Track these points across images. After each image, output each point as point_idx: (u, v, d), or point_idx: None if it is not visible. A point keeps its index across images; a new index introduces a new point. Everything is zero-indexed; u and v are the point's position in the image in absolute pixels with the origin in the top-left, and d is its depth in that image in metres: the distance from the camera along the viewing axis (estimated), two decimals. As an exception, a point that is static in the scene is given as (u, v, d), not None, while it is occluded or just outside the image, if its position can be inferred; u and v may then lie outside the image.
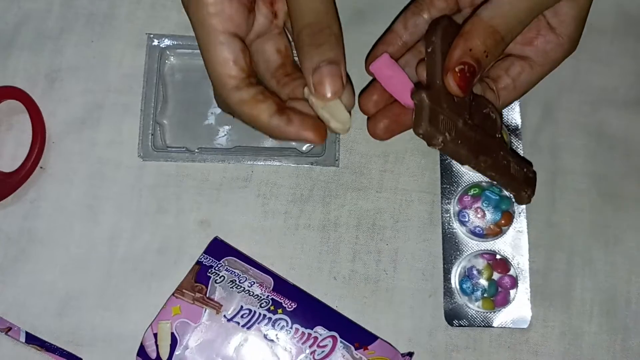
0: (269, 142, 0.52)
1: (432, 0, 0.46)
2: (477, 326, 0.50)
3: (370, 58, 0.48)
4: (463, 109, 0.42)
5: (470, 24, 0.41)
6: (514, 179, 0.45)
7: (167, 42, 0.52)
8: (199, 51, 0.52)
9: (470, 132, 0.42)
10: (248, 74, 0.41)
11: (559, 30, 0.44)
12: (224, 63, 0.40)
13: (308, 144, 0.52)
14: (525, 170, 0.46)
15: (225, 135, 0.52)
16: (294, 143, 0.52)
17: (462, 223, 0.51)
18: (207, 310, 0.46)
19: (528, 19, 0.42)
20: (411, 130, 0.51)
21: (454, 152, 0.41)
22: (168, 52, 0.53)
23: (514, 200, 0.47)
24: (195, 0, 0.40)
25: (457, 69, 0.40)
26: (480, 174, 0.45)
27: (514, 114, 0.52)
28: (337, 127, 0.41)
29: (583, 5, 0.44)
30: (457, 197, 0.51)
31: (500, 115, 0.45)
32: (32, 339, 0.48)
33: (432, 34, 0.42)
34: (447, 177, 0.52)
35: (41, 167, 0.51)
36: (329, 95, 0.39)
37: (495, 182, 0.45)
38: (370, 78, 0.49)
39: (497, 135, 0.45)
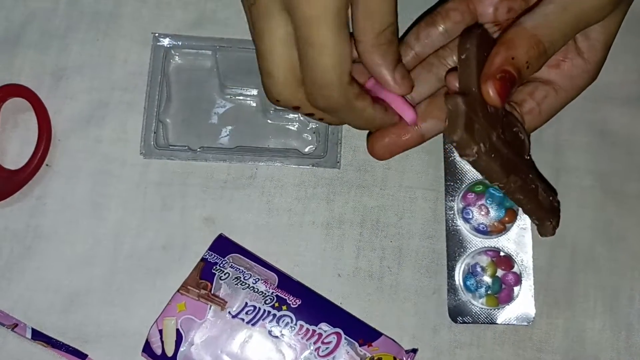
0: (271, 143, 0.52)
1: (447, 13, 0.45)
2: (481, 323, 0.50)
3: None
4: (497, 122, 0.40)
5: (513, 32, 0.39)
6: (541, 206, 0.43)
7: (172, 41, 0.52)
8: (203, 51, 0.53)
9: (503, 147, 0.39)
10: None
11: (587, 55, 0.43)
12: (346, 58, 0.38)
13: (311, 146, 0.52)
14: (551, 198, 0.44)
15: (227, 135, 0.52)
16: (295, 144, 0.52)
17: (466, 220, 0.51)
18: (212, 307, 0.47)
19: (572, 33, 0.41)
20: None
21: (487, 166, 0.38)
22: (173, 52, 0.53)
23: (537, 230, 0.44)
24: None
25: (498, 76, 0.38)
26: (507, 195, 0.42)
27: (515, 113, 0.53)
28: None
29: (612, 33, 0.43)
30: (461, 194, 0.51)
31: (528, 137, 0.43)
32: (38, 336, 0.48)
33: (466, 41, 0.40)
34: (451, 174, 0.52)
35: (47, 165, 0.51)
36: (405, 90, 0.42)
37: (521, 208, 0.43)
38: None
39: (527, 157, 0.43)
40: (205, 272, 0.48)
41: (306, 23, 0.36)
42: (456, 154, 0.51)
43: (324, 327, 0.47)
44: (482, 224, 0.50)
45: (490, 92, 0.38)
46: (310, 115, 0.42)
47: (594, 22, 0.41)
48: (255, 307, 0.47)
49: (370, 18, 0.39)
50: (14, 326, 0.48)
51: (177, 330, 0.46)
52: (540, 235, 0.45)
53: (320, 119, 0.42)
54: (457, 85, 0.40)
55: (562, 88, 0.44)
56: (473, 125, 0.37)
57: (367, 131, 0.52)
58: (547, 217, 0.43)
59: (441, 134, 0.47)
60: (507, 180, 0.39)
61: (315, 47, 0.37)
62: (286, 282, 0.48)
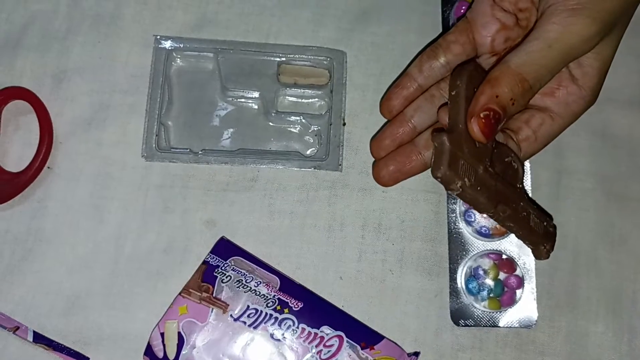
0: (272, 146, 0.52)
1: (448, 45, 0.46)
2: (483, 326, 0.50)
3: (385, 99, 0.49)
4: (485, 155, 0.41)
5: (499, 70, 0.40)
6: (533, 232, 0.44)
7: (173, 44, 0.52)
8: (204, 54, 0.53)
9: (490, 179, 0.41)
10: None
11: (581, 82, 0.44)
12: None
13: (312, 148, 0.52)
14: (545, 223, 0.45)
15: (229, 137, 0.52)
16: (297, 146, 0.52)
17: (468, 223, 0.51)
18: (214, 310, 0.47)
19: (557, 69, 0.41)
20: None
21: (473, 198, 0.40)
22: (175, 54, 0.53)
23: (532, 254, 0.45)
24: None
25: (482, 115, 0.39)
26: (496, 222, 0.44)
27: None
28: None
29: (607, 58, 0.43)
30: (462, 197, 0.51)
31: (522, 165, 0.44)
32: (39, 338, 0.48)
33: (457, 78, 0.42)
34: (453, 177, 0.52)
35: (48, 167, 0.51)
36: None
37: (513, 234, 0.44)
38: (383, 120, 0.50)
39: (519, 186, 0.44)
40: (207, 275, 0.48)
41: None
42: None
43: (326, 330, 0.47)
44: (484, 226, 0.50)
45: (475, 129, 0.39)
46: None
47: (582, 54, 0.41)
48: (257, 310, 0.47)
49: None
50: (16, 329, 0.48)
51: (179, 333, 0.46)
52: (535, 259, 0.46)
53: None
54: (447, 120, 0.41)
55: (558, 115, 0.45)
56: (458, 161, 0.39)
57: (368, 134, 0.52)
58: (540, 242, 0.44)
59: None
60: (495, 210, 0.41)
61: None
62: (288, 285, 0.48)
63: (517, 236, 0.44)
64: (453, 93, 0.41)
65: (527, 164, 0.52)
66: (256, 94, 0.52)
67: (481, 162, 0.41)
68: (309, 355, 0.46)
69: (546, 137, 0.45)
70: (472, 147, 0.40)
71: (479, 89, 0.40)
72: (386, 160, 0.47)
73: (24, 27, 0.53)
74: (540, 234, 0.44)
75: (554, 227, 0.46)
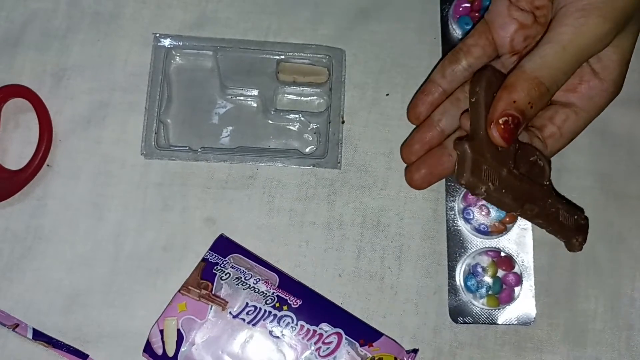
0: (271, 144, 0.52)
1: (469, 49, 0.47)
2: (482, 323, 0.50)
3: (411, 106, 0.49)
4: (508, 158, 0.42)
5: (515, 75, 0.41)
6: (564, 226, 0.45)
7: (173, 42, 0.53)
8: (204, 52, 0.53)
9: (515, 181, 0.42)
10: None
11: (602, 75, 0.44)
12: None
13: (312, 146, 0.52)
14: (575, 217, 0.46)
15: (228, 135, 0.52)
16: (296, 144, 0.52)
17: (467, 220, 0.51)
18: (213, 307, 0.47)
19: (572, 69, 0.41)
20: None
21: (498, 201, 0.41)
22: (174, 52, 0.53)
23: (565, 247, 0.46)
24: None
25: (501, 121, 0.40)
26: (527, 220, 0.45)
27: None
28: None
29: (626, 49, 0.43)
30: (461, 195, 0.51)
31: (549, 162, 0.45)
32: (39, 336, 0.48)
33: (476, 85, 0.42)
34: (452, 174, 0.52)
35: (48, 165, 0.51)
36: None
37: (546, 231, 0.45)
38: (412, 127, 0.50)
39: (546, 183, 0.45)
40: (206, 273, 0.48)
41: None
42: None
43: (325, 327, 0.47)
44: (482, 224, 0.50)
45: (495, 135, 0.40)
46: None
47: (597, 52, 0.42)
48: (256, 307, 0.47)
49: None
50: (15, 326, 0.48)
51: (178, 330, 0.46)
52: (569, 251, 0.46)
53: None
54: (469, 126, 0.42)
55: (582, 109, 0.45)
56: (481, 166, 0.40)
57: (367, 132, 0.52)
58: (572, 235, 0.45)
59: None
60: (522, 209, 0.42)
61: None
62: (287, 283, 0.48)
63: (548, 231, 0.45)
64: (473, 100, 0.42)
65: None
66: (255, 92, 0.52)
67: (504, 165, 0.42)
68: (307, 352, 0.46)
69: (571, 132, 0.45)
70: (495, 151, 0.41)
71: (497, 95, 0.41)
72: (418, 164, 0.48)
73: (23, 25, 0.53)
74: (572, 227, 0.45)
75: (586, 219, 0.47)
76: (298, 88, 0.53)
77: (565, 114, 0.45)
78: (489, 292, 0.50)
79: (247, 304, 0.47)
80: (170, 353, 0.46)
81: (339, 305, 0.49)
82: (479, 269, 0.50)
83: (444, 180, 0.52)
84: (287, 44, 0.53)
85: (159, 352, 0.46)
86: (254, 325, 0.47)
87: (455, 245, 0.51)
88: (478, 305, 0.49)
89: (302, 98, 0.54)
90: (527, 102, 0.40)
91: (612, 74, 0.44)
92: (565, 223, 0.45)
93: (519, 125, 0.40)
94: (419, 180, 0.48)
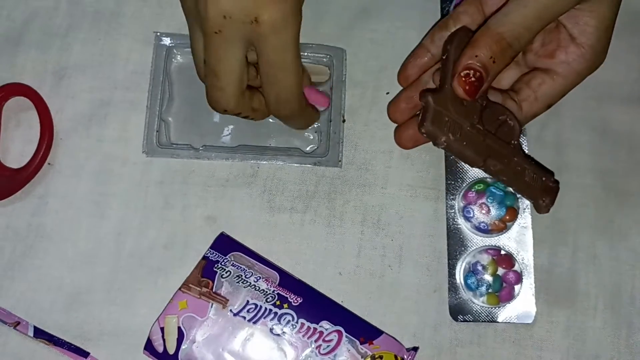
0: (273, 142, 0.52)
1: (458, 16, 0.48)
2: (482, 321, 0.50)
3: (401, 69, 0.51)
4: (473, 113, 0.44)
5: (479, 32, 0.43)
6: (529, 186, 0.46)
7: (174, 40, 0.53)
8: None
9: (478, 135, 0.44)
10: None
11: (580, 40, 0.45)
12: (301, 75, 0.45)
13: (312, 145, 0.52)
14: (544, 179, 0.47)
15: (229, 134, 0.52)
16: (297, 142, 0.52)
17: (467, 219, 0.51)
18: (214, 305, 0.47)
19: (536, 26, 0.43)
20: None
21: (459, 152, 0.44)
22: (175, 51, 0.53)
23: (534, 208, 0.47)
24: None
25: (463, 74, 0.42)
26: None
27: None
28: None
29: (605, 15, 0.45)
30: (461, 193, 0.51)
31: (519, 123, 0.46)
32: (40, 334, 0.48)
33: (447, 43, 0.45)
34: (452, 173, 0.52)
35: (49, 164, 0.51)
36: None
37: (512, 189, 0.47)
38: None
39: (513, 142, 0.46)
40: (206, 271, 0.48)
41: (275, 50, 0.42)
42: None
43: (325, 325, 0.47)
44: (483, 222, 0.50)
45: (458, 88, 0.43)
46: (245, 117, 0.47)
47: (563, 11, 0.43)
48: (256, 305, 0.47)
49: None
50: (16, 324, 0.48)
51: (179, 328, 0.47)
52: (537, 212, 0.47)
53: (252, 118, 0.48)
54: (439, 81, 0.45)
55: (560, 75, 0.46)
56: (442, 118, 0.43)
57: (367, 131, 0.52)
58: (539, 196, 0.46)
59: None
60: (484, 164, 0.44)
61: (282, 70, 0.43)
62: (287, 280, 0.48)
63: (514, 190, 0.47)
64: (444, 57, 0.45)
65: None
66: (256, 91, 0.53)
67: (468, 119, 0.44)
68: (308, 350, 0.46)
69: (546, 96, 0.47)
70: (459, 105, 0.43)
71: (463, 51, 0.43)
72: (407, 124, 0.50)
73: (24, 24, 0.53)
74: (538, 188, 0.46)
75: (556, 182, 0.48)
76: (299, 86, 0.53)
77: (541, 79, 0.47)
78: (489, 290, 0.50)
79: (247, 301, 0.47)
80: (171, 351, 0.46)
81: (340, 303, 0.49)
82: (479, 267, 0.50)
83: (444, 178, 0.52)
84: (288, 42, 0.53)
85: (160, 349, 0.46)
86: (254, 323, 0.47)
87: (455, 244, 0.51)
88: (478, 303, 0.50)
89: (303, 96, 0.54)
90: (489, 56, 0.42)
91: (590, 40, 0.45)
92: (532, 183, 0.46)
93: (482, 80, 0.42)
94: (407, 140, 0.50)
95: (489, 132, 0.45)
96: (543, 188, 0.47)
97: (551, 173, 0.50)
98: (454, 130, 0.43)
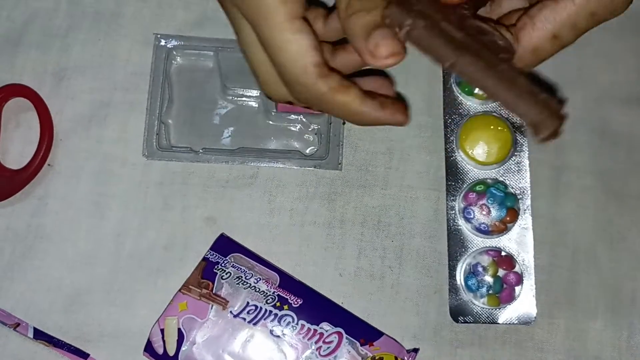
0: (272, 144, 0.52)
1: None
2: (483, 323, 0.50)
3: None
4: (452, 16, 0.35)
5: None
6: (522, 98, 0.32)
7: (174, 42, 0.53)
8: (205, 52, 0.53)
9: (455, 31, 0.34)
10: (324, 56, 0.36)
11: None
12: (304, 52, 0.35)
13: (312, 147, 0.52)
14: (543, 95, 0.33)
15: (229, 136, 0.52)
16: (297, 145, 0.52)
17: (467, 220, 0.51)
18: (214, 306, 0.47)
19: None
20: (417, 128, 0.52)
21: (426, 43, 0.33)
22: (175, 53, 0.53)
23: (532, 133, 0.34)
24: None
25: None
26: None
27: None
28: None
29: None
30: (462, 194, 0.51)
31: (511, 44, 0.36)
32: (40, 335, 0.48)
33: None
34: (452, 174, 0.52)
35: (49, 165, 0.51)
36: (387, 60, 0.34)
37: (499, 103, 0.34)
38: None
39: (503, 56, 0.35)
40: (206, 272, 0.48)
41: (257, 26, 0.36)
42: (457, 154, 0.52)
43: (326, 326, 0.47)
44: (483, 223, 0.50)
45: None
46: (309, 107, 0.40)
47: None
48: (256, 306, 0.47)
49: None
50: (16, 325, 0.48)
51: (179, 329, 0.46)
52: (537, 137, 0.34)
53: (321, 111, 0.40)
54: None
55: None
56: (411, 5, 0.34)
57: (368, 131, 0.52)
58: (537, 113, 0.33)
59: None
60: (456, 60, 0.33)
61: (271, 47, 0.36)
62: (287, 282, 0.48)
63: (502, 104, 0.33)
64: None
65: (525, 161, 0.52)
66: (256, 93, 0.52)
67: (444, 18, 0.34)
68: (308, 352, 0.46)
69: (548, 22, 0.37)
70: (439, 7, 0.35)
71: None
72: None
73: (24, 25, 0.53)
74: (535, 103, 0.33)
75: (560, 102, 0.38)
76: (299, 88, 0.53)
77: (542, 5, 0.38)
78: (490, 292, 0.50)
79: (247, 303, 0.47)
80: (171, 352, 0.46)
81: (340, 304, 0.49)
82: (480, 269, 0.50)
83: (444, 179, 0.52)
84: (288, 43, 0.53)
85: (160, 351, 0.46)
86: (254, 324, 0.47)
87: (455, 245, 0.51)
88: (479, 304, 0.50)
89: (303, 98, 0.54)
90: None
91: None
92: (526, 96, 0.32)
93: None
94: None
95: (469, 34, 0.34)
96: (543, 104, 0.33)
97: (559, 99, 0.41)
98: (424, 17, 0.33)
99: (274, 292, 0.47)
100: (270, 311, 0.47)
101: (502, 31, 0.37)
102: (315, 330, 0.47)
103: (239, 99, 0.53)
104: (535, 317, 0.50)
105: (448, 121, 0.52)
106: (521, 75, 0.33)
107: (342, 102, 0.36)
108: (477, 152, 0.51)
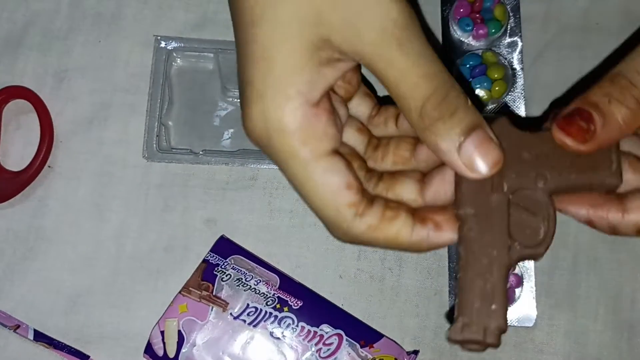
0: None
1: None
2: (483, 324, 0.50)
3: None
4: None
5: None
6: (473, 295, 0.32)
7: (174, 44, 0.53)
8: (205, 54, 0.53)
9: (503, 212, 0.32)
10: (362, 189, 0.32)
11: None
12: (336, 193, 0.31)
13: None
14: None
15: (229, 137, 0.52)
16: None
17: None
18: (214, 308, 0.47)
19: None
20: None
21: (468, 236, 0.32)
22: (175, 54, 0.53)
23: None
24: (277, 132, 0.31)
25: (564, 114, 0.32)
26: None
27: (519, 112, 0.53)
28: None
29: None
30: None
31: (552, 234, 0.33)
32: (40, 337, 0.48)
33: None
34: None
35: (49, 166, 0.51)
36: (487, 170, 0.31)
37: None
38: None
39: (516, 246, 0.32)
40: (206, 274, 0.48)
41: (282, 170, 0.33)
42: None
43: (326, 328, 0.47)
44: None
45: (557, 131, 0.31)
46: None
47: None
48: (256, 308, 0.47)
49: (402, 97, 0.31)
50: (16, 327, 0.48)
51: (179, 331, 0.46)
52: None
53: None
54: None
55: None
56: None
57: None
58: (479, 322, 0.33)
59: None
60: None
61: (299, 191, 0.33)
62: (287, 284, 0.48)
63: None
64: None
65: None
66: (256, 93, 0.52)
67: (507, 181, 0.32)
68: (308, 354, 0.46)
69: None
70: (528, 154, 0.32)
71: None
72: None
73: (25, 27, 0.53)
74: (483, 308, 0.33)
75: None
76: (299, 89, 0.53)
77: None
78: (490, 294, 0.49)
79: (247, 305, 0.47)
80: (171, 354, 0.46)
81: (340, 306, 0.49)
82: (480, 270, 0.50)
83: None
84: (288, 45, 0.53)
85: (160, 353, 0.46)
86: (254, 326, 0.47)
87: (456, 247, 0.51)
88: (479, 306, 0.49)
89: (303, 99, 0.53)
90: (602, 95, 0.32)
91: None
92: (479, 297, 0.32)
93: (591, 120, 0.31)
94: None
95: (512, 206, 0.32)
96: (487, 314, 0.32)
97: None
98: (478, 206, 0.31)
99: (274, 294, 0.47)
100: (271, 313, 0.47)
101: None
102: (315, 332, 0.47)
103: (239, 100, 0.53)
104: (535, 319, 0.50)
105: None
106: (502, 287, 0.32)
107: (387, 238, 0.32)
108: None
